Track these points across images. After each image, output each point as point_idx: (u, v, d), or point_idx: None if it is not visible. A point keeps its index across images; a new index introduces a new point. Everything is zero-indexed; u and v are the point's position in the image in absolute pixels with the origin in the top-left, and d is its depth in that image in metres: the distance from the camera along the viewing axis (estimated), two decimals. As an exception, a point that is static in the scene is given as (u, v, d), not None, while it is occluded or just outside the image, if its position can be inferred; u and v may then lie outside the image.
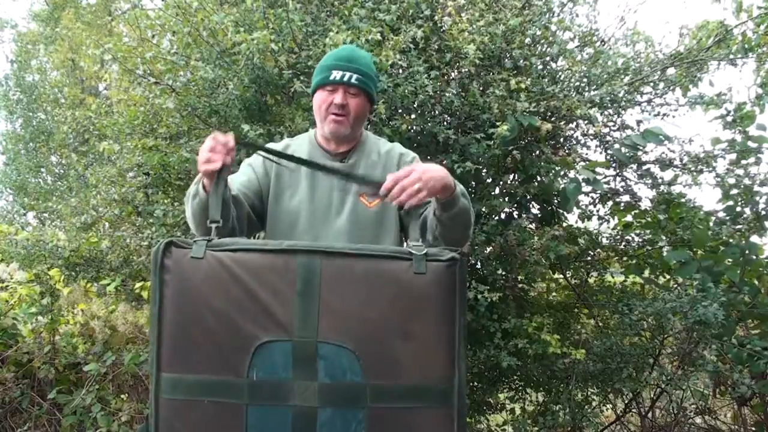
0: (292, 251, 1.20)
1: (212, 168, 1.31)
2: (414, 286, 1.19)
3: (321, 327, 1.17)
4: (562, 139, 3.25)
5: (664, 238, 3.28)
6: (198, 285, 1.17)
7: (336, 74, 1.64)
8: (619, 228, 3.59)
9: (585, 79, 3.10)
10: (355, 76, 1.65)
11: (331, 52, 1.75)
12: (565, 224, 3.43)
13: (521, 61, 3.00)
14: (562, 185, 3.10)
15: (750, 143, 3.22)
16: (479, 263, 3.03)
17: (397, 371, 1.18)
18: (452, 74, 2.94)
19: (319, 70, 1.69)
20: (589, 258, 3.65)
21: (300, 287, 1.18)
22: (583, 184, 3.04)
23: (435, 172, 1.36)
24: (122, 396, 3.56)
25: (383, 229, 1.69)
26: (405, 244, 1.95)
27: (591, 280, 3.74)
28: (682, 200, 3.31)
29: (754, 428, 3.67)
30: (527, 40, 3.05)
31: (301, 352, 1.16)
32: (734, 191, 3.27)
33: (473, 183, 3.09)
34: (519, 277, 3.40)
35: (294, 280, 1.18)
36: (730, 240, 3.14)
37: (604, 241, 3.70)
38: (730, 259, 3.13)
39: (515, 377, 3.54)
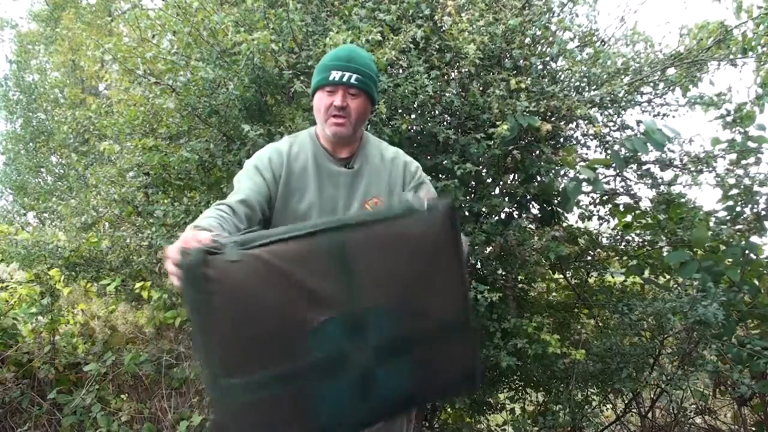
0: (319, 232, 1.24)
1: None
2: (426, 238, 1.32)
3: (362, 295, 1.25)
4: (562, 139, 3.25)
5: (664, 238, 3.28)
6: (247, 286, 1.16)
7: (335, 75, 1.62)
8: (619, 228, 3.59)
9: (585, 79, 3.10)
10: (354, 76, 1.63)
11: (330, 51, 1.73)
12: (565, 224, 3.44)
13: (521, 61, 3.00)
14: (562, 185, 3.10)
15: (750, 143, 3.21)
16: (479, 263, 3.04)
17: (428, 314, 1.33)
18: (452, 74, 2.94)
19: (319, 71, 1.67)
20: (589, 258, 3.65)
21: (335, 264, 1.24)
22: (583, 183, 3.04)
23: None
24: (122, 396, 3.56)
25: None
26: None
27: (591, 280, 3.75)
28: (682, 200, 3.30)
29: (754, 428, 3.67)
30: (527, 40, 3.05)
31: (351, 323, 1.25)
32: (734, 191, 3.26)
33: (473, 183, 3.10)
34: (519, 277, 3.40)
35: (328, 258, 1.23)
36: (730, 240, 3.14)
37: (604, 241, 3.70)
38: (730, 259, 3.13)
39: (515, 377, 3.54)
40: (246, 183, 1.63)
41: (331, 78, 1.62)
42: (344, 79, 1.62)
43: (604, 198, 3.52)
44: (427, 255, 1.32)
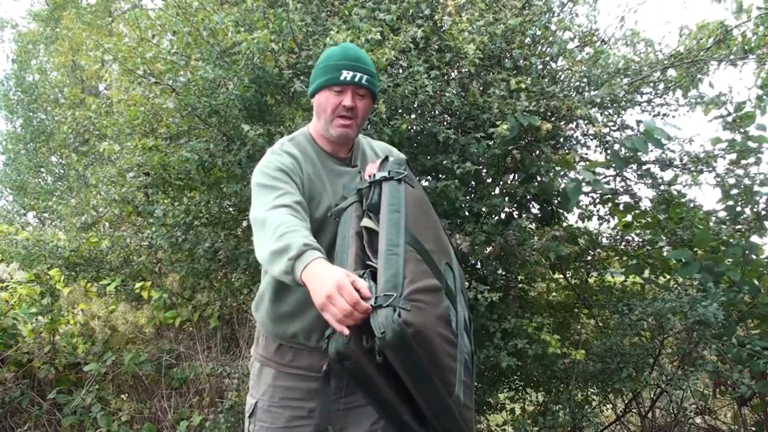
0: (412, 247, 1.38)
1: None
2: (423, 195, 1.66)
3: (438, 261, 1.46)
4: (562, 139, 3.25)
5: (664, 238, 3.28)
6: (426, 324, 1.26)
7: (347, 75, 1.58)
8: (619, 228, 3.59)
9: (585, 79, 3.10)
10: (365, 77, 1.60)
11: (332, 50, 1.68)
12: (565, 224, 3.43)
13: (521, 61, 3.00)
14: (562, 185, 3.10)
15: (750, 143, 3.21)
16: (479, 263, 3.04)
17: (452, 255, 1.63)
18: (452, 74, 2.94)
19: (326, 70, 1.62)
20: (589, 258, 3.65)
21: (425, 257, 1.41)
22: (583, 184, 3.04)
23: None
24: (122, 396, 3.56)
25: None
26: None
27: (591, 280, 3.74)
28: (682, 200, 3.30)
29: (754, 428, 3.67)
30: (527, 40, 3.05)
31: (446, 282, 1.46)
32: (734, 191, 3.26)
33: (473, 183, 3.09)
34: (519, 277, 3.40)
35: (426, 264, 1.40)
36: (731, 240, 3.14)
37: (604, 241, 3.70)
38: (730, 259, 3.13)
39: (515, 377, 3.54)
40: (285, 186, 1.53)
41: (342, 78, 1.58)
42: (356, 80, 1.59)
43: (604, 198, 3.52)
44: (431, 210, 1.64)
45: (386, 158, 1.58)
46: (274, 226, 1.36)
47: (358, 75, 1.59)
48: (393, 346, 1.16)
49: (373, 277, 1.28)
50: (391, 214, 1.37)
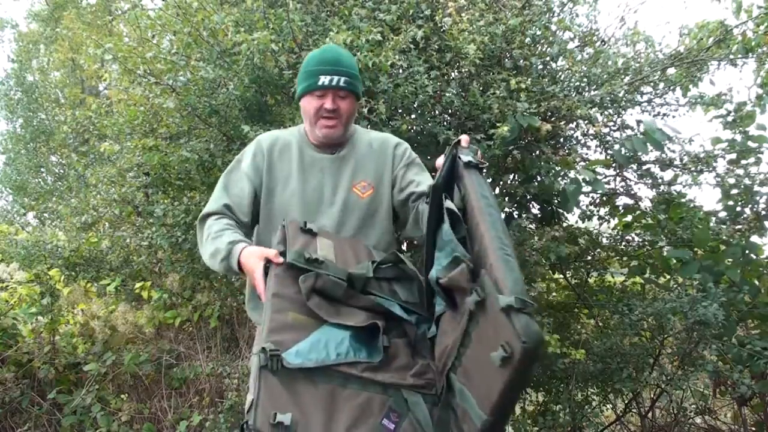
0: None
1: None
2: None
3: None
4: (562, 139, 3.24)
5: (664, 238, 3.27)
6: None
7: (324, 79, 1.63)
8: (619, 228, 3.59)
9: (585, 79, 3.09)
10: (343, 79, 1.65)
11: (312, 54, 1.73)
12: (565, 224, 3.43)
13: (521, 61, 3.00)
14: (562, 185, 3.09)
15: (750, 143, 3.21)
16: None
17: None
18: (452, 74, 2.94)
19: (306, 76, 1.68)
20: (589, 258, 3.64)
21: None
22: (583, 184, 3.03)
23: None
24: (122, 396, 3.56)
25: (372, 218, 1.72)
26: (397, 234, 1.99)
27: (591, 280, 3.74)
28: (682, 200, 3.30)
29: (754, 428, 3.67)
30: (527, 40, 3.04)
31: None
32: (734, 191, 3.26)
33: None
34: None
35: None
36: (731, 240, 3.13)
37: (604, 241, 3.69)
38: (730, 259, 3.13)
39: (515, 377, 3.53)
40: (234, 189, 1.72)
41: (320, 83, 1.64)
42: (334, 83, 1.64)
43: (604, 198, 3.51)
44: None
45: (458, 141, 1.44)
46: (206, 234, 1.64)
47: (336, 78, 1.64)
48: (529, 356, 1.03)
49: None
50: (488, 209, 1.27)
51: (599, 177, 3.21)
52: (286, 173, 1.72)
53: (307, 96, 1.69)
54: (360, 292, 1.43)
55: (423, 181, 1.71)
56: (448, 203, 1.35)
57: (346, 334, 1.33)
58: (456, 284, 1.26)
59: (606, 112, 3.25)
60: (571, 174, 3.12)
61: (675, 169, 3.39)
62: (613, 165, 3.34)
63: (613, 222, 3.61)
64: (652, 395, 3.67)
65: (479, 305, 1.15)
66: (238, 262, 1.51)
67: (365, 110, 2.63)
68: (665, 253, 3.36)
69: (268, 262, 1.42)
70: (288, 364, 1.20)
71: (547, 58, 3.21)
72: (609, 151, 3.30)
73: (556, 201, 3.26)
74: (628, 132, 3.32)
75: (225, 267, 1.55)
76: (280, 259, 1.40)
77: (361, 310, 1.40)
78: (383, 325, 1.38)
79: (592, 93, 3.06)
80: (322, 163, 1.73)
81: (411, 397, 1.29)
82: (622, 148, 3.15)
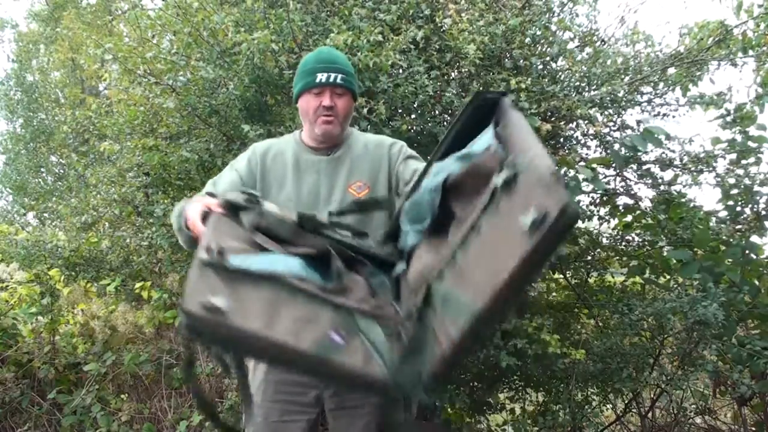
0: None
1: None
2: None
3: None
4: (562, 139, 3.24)
5: (664, 238, 3.27)
6: None
7: (321, 77, 1.67)
8: (619, 228, 3.59)
9: (585, 79, 3.10)
10: (339, 76, 1.68)
11: (308, 56, 1.77)
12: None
13: (521, 61, 3.00)
14: (562, 185, 3.09)
15: (750, 143, 3.21)
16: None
17: None
18: (452, 74, 2.94)
19: (303, 75, 1.71)
20: (589, 258, 3.64)
21: None
22: (583, 183, 3.03)
23: None
24: (122, 396, 3.56)
25: (368, 218, 1.71)
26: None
27: (591, 280, 3.74)
28: (682, 200, 3.30)
29: (754, 428, 3.67)
30: (527, 40, 3.04)
31: None
32: (734, 191, 3.26)
33: (473, 183, 3.09)
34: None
35: None
36: (731, 240, 3.13)
37: (604, 241, 3.69)
38: (730, 259, 3.13)
39: (515, 377, 3.53)
40: (222, 182, 1.73)
41: (317, 80, 1.67)
42: (331, 80, 1.67)
43: (604, 198, 3.51)
44: None
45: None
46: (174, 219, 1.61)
47: (332, 75, 1.67)
48: (564, 221, 0.87)
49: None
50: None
51: (599, 176, 3.21)
52: (281, 176, 1.73)
53: (305, 95, 1.71)
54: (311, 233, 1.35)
55: None
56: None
57: (298, 260, 1.21)
58: (481, 169, 1.12)
59: (606, 112, 3.25)
60: (571, 173, 3.12)
61: (675, 169, 3.39)
62: (613, 165, 3.34)
63: (613, 222, 3.60)
64: (652, 395, 3.67)
65: (508, 183, 0.99)
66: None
67: (365, 110, 2.63)
68: (665, 253, 3.36)
69: (208, 210, 1.34)
70: (230, 266, 1.08)
71: (547, 58, 3.21)
72: (609, 151, 3.30)
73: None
74: (628, 132, 3.32)
75: (184, 236, 1.52)
76: (220, 209, 1.33)
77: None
78: (338, 259, 1.26)
79: (592, 93, 3.06)
80: (317, 164, 1.74)
81: (364, 322, 1.16)
82: (622, 148, 3.15)
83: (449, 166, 1.25)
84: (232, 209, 1.31)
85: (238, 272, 1.08)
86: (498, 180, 1.01)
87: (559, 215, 0.86)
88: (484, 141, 1.17)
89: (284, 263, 1.18)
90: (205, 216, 1.33)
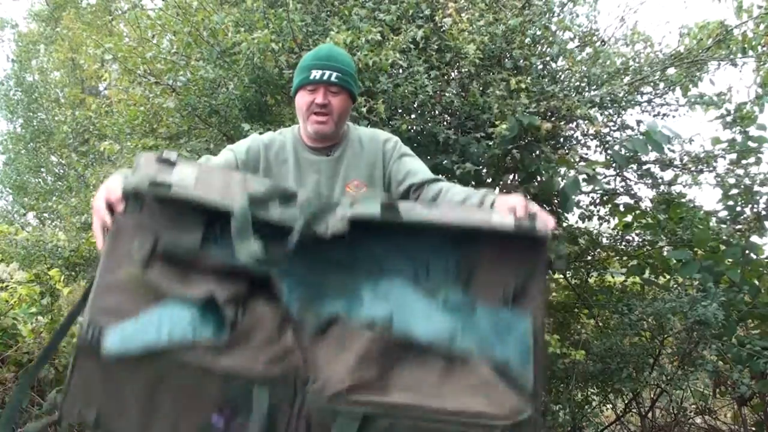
0: None
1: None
2: None
3: None
4: (562, 139, 3.24)
5: (664, 238, 3.27)
6: None
7: (316, 73, 1.65)
8: (619, 228, 3.59)
9: (585, 79, 3.10)
10: (335, 74, 1.65)
11: (308, 53, 1.75)
12: (565, 224, 3.43)
13: (521, 61, 3.00)
14: (562, 185, 3.09)
15: (750, 143, 3.21)
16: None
17: None
18: (452, 74, 2.94)
19: (299, 71, 1.70)
20: (589, 258, 3.65)
21: None
22: (582, 182, 3.03)
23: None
24: (122, 396, 3.56)
25: None
26: None
27: (591, 280, 3.74)
28: (682, 200, 3.30)
29: (754, 428, 3.67)
30: (527, 40, 3.04)
31: None
32: (734, 191, 3.26)
33: (473, 183, 3.09)
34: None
35: None
36: (731, 240, 3.13)
37: (604, 241, 3.69)
38: (730, 259, 3.13)
39: (515, 377, 3.53)
40: (214, 163, 1.64)
41: (311, 77, 1.65)
42: (325, 78, 1.65)
43: (604, 198, 3.51)
44: None
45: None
46: None
47: (327, 73, 1.65)
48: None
49: None
50: None
51: (599, 175, 3.21)
52: (283, 172, 1.72)
53: (300, 91, 1.70)
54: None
55: (419, 169, 1.72)
56: None
57: (192, 308, 1.10)
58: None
59: (606, 112, 3.25)
60: (571, 173, 3.13)
61: (675, 169, 3.39)
62: (613, 165, 3.34)
63: (613, 222, 3.60)
64: (652, 395, 3.67)
65: None
66: None
67: (365, 110, 2.63)
68: (665, 253, 3.36)
69: (110, 209, 1.20)
70: (106, 352, 1.02)
71: (547, 58, 3.21)
72: (609, 151, 3.30)
73: (556, 201, 3.26)
74: (629, 132, 3.32)
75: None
76: (121, 205, 1.19)
77: (216, 273, 1.15)
78: (229, 296, 1.12)
79: (592, 93, 3.06)
80: (317, 165, 1.74)
81: (257, 388, 1.08)
82: (622, 149, 3.16)
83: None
84: (135, 200, 1.18)
85: (113, 358, 1.04)
86: None
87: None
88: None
89: (170, 322, 1.08)
90: (111, 210, 1.20)
